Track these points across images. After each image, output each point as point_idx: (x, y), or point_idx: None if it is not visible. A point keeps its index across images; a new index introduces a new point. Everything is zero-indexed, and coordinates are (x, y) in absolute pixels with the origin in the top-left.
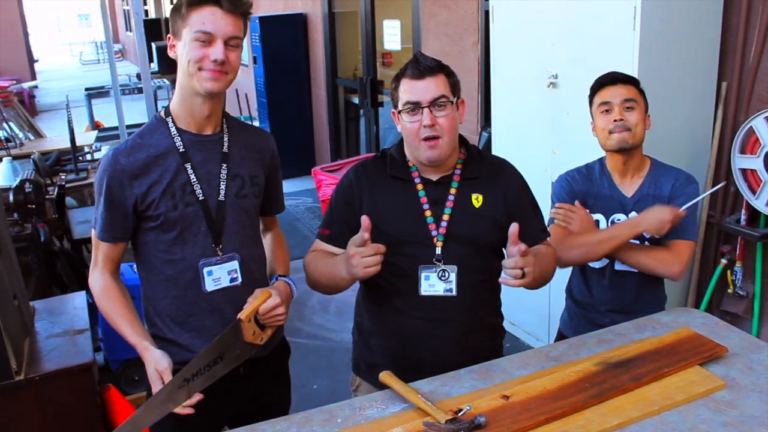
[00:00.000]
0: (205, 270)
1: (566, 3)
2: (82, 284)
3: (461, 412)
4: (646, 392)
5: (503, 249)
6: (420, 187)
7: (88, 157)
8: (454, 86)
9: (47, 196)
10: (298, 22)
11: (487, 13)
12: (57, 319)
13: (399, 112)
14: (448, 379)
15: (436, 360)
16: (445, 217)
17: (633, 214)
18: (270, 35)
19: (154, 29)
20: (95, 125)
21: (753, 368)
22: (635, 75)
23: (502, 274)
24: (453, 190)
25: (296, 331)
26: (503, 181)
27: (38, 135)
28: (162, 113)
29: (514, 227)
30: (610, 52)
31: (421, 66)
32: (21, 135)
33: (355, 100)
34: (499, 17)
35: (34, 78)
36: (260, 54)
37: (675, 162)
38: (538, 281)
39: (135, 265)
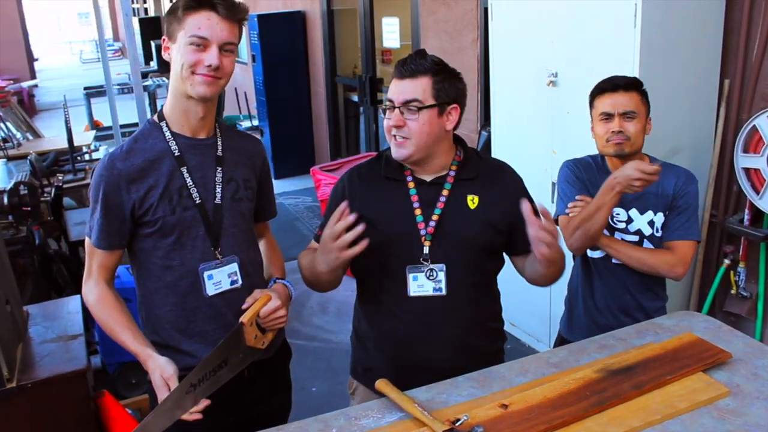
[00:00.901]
0: (206, 274)
1: (566, 0)
2: (79, 287)
3: (458, 422)
4: (647, 400)
5: (503, 252)
6: (411, 185)
7: (87, 157)
8: (441, 91)
9: (43, 198)
10: (297, 20)
11: (486, 10)
12: (51, 324)
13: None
14: (446, 386)
15: (431, 364)
16: (435, 216)
17: (633, 210)
18: (269, 33)
19: (154, 27)
20: (94, 124)
21: (758, 374)
22: (636, 74)
23: (534, 248)
24: (445, 191)
25: (295, 332)
26: (503, 184)
27: (36, 135)
28: (155, 117)
29: (525, 206)
30: (611, 50)
31: (406, 67)
32: (19, 135)
33: (355, 98)
34: (499, 15)
35: (33, 77)
36: (259, 52)
37: (677, 161)
38: (558, 264)
39: (131, 268)
